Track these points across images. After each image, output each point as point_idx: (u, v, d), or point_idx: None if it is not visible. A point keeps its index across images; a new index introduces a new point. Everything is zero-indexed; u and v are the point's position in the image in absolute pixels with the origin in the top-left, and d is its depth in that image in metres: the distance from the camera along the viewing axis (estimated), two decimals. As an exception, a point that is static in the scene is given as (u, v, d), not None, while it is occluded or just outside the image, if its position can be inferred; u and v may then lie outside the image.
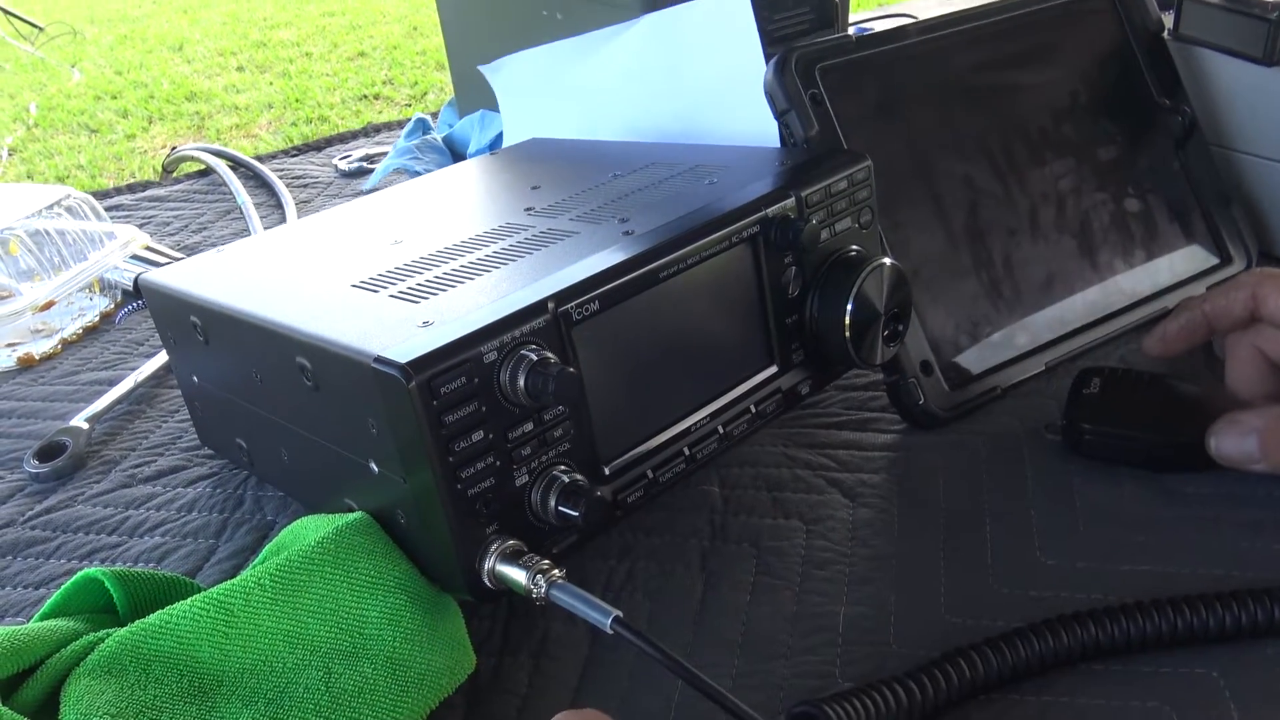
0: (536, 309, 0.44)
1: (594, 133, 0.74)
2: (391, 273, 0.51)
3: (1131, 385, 0.58)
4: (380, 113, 4.11)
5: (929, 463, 0.58)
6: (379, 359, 0.41)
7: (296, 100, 4.28)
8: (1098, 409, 0.57)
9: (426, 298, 0.47)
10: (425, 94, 4.33)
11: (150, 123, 4.25)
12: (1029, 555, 0.51)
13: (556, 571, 0.42)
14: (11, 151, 4.00)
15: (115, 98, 4.54)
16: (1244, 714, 0.42)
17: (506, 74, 0.79)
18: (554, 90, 0.80)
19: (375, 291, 0.49)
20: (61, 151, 3.96)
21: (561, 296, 0.45)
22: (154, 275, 0.59)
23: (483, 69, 0.80)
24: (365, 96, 4.34)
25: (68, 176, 3.73)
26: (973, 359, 0.63)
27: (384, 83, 4.55)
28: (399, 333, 0.43)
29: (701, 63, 0.68)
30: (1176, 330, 0.59)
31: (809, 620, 0.49)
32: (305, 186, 1.05)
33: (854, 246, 0.57)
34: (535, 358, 0.43)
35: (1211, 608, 0.44)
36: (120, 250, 0.81)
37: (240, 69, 4.81)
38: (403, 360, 0.41)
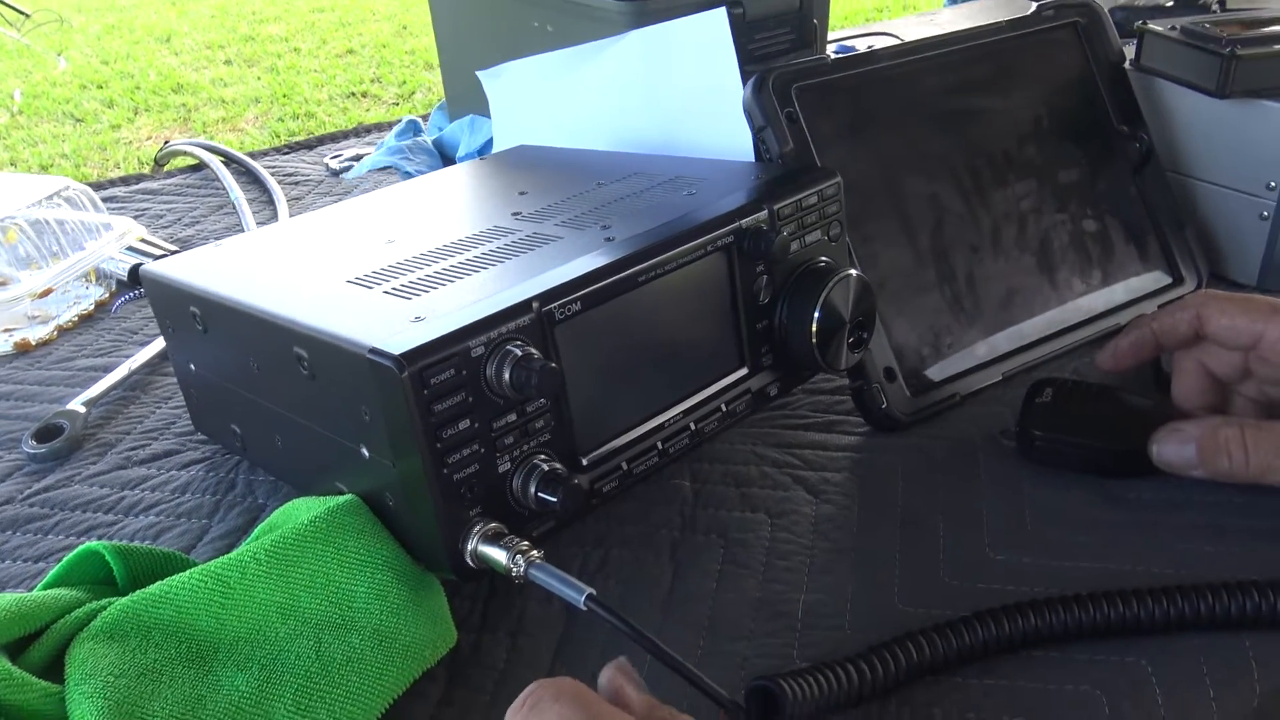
0: (522, 308, 0.47)
1: (579, 141, 0.77)
2: (385, 270, 0.54)
3: (1082, 396, 0.61)
4: (368, 110, 4.12)
5: (889, 464, 0.62)
6: (374, 350, 0.44)
7: (284, 96, 4.29)
8: (1050, 417, 0.60)
9: (418, 294, 0.50)
10: (413, 93, 4.35)
11: (136, 113, 4.24)
12: (979, 551, 0.54)
13: (535, 552, 0.45)
14: (-5, 138, 3.98)
15: (101, 87, 4.53)
16: (1168, 699, 0.45)
17: (504, 81, 0.82)
18: (542, 99, 0.83)
19: (370, 288, 0.52)
20: (46, 140, 3.95)
21: (546, 297, 0.48)
22: (155, 266, 0.61)
23: (480, 74, 0.83)
24: (353, 94, 4.34)
25: (51, 165, 3.72)
26: (934, 367, 0.66)
27: (372, 81, 4.56)
28: (393, 326, 0.46)
29: (682, 78, 0.72)
30: (1127, 346, 0.63)
31: (771, 606, 0.52)
32: (296, 184, 1.07)
33: (823, 258, 0.60)
34: (520, 353, 0.46)
35: (1142, 601, 0.48)
36: (116, 241, 0.83)
37: (228, 62, 4.81)
38: (396, 352, 0.43)
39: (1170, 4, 1.10)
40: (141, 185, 1.09)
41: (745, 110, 0.64)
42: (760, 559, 0.55)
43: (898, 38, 1.42)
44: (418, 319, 0.47)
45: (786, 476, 0.61)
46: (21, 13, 5.39)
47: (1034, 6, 0.77)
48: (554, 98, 0.82)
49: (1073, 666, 0.47)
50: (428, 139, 1.06)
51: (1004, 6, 1.70)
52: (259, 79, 4.54)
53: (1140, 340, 0.62)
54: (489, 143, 0.95)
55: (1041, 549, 0.54)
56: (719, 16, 0.67)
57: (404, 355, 0.43)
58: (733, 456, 0.63)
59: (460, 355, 0.45)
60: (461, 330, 0.45)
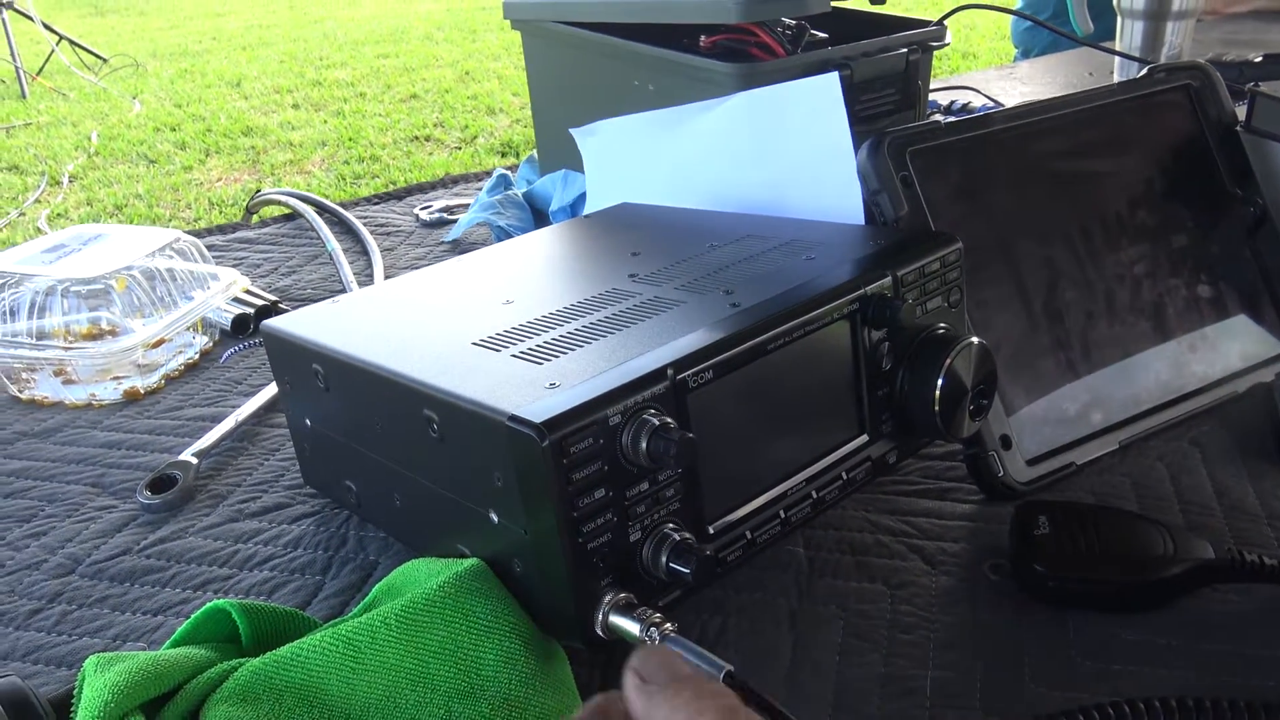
0: (656, 375, 0.47)
1: (678, 200, 0.78)
2: (509, 332, 0.55)
3: (1083, 522, 0.56)
4: (430, 154, 4.19)
5: (1006, 533, 0.60)
6: (514, 417, 0.44)
7: (349, 139, 4.38)
8: (1054, 551, 0.55)
9: (548, 359, 0.50)
10: (475, 138, 4.42)
11: (207, 155, 4.36)
12: (1110, 630, 0.53)
13: (669, 625, 0.45)
14: (72, 178, 4.11)
15: (174, 130, 4.66)
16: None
17: (599, 139, 0.83)
18: (640, 157, 0.83)
19: (496, 350, 0.53)
20: (120, 180, 4.07)
21: (679, 364, 0.48)
22: (277, 322, 0.62)
23: (574, 132, 0.84)
24: (416, 138, 4.43)
25: (125, 204, 3.83)
26: (1049, 435, 0.65)
27: (435, 125, 4.64)
28: (529, 393, 0.46)
29: (791, 140, 0.72)
30: None
31: (898, 683, 0.51)
32: (388, 235, 1.09)
33: (942, 324, 0.59)
34: (657, 422, 0.46)
35: None
36: (223, 292, 0.85)
37: (296, 106, 4.93)
38: (538, 420, 0.43)
39: None
40: (238, 234, 1.11)
41: (860, 173, 0.64)
42: (882, 632, 0.54)
43: (980, 92, 1.41)
44: (553, 385, 0.47)
45: (902, 545, 0.60)
46: (100, 57, 5.58)
47: (1145, 69, 0.76)
48: (651, 156, 0.82)
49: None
50: (518, 192, 1.07)
51: (1079, 62, 1.69)
52: (325, 123, 4.64)
53: None
54: (582, 197, 0.96)
55: (1179, 629, 0.52)
56: (832, 80, 0.68)
57: (545, 423, 0.43)
58: (846, 523, 0.62)
59: (599, 424, 0.45)
60: (600, 399, 0.45)
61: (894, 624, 0.54)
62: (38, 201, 3.87)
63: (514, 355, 0.52)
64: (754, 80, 0.74)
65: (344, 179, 3.89)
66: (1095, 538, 0.55)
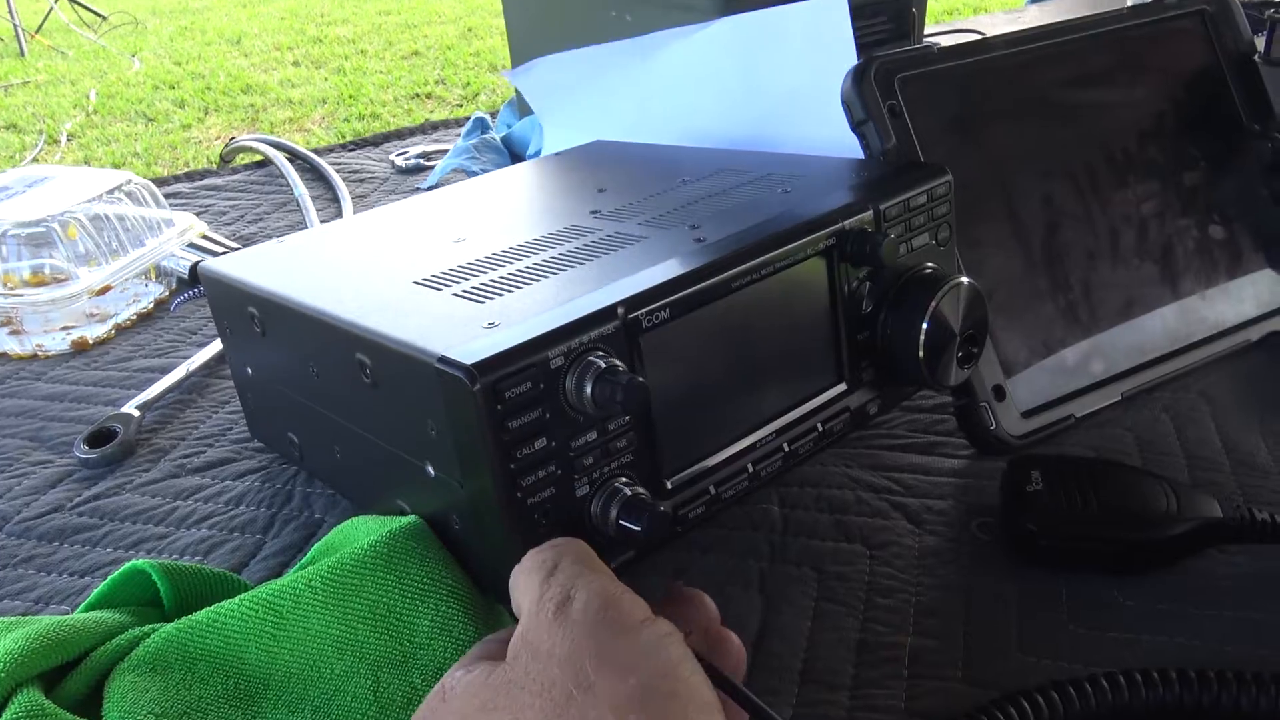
0: (605, 314, 0.43)
1: (648, 136, 0.72)
2: (454, 271, 0.50)
3: (1079, 478, 0.51)
4: (432, 112, 4.13)
5: (998, 490, 0.56)
6: (443, 359, 0.40)
7: (350, 97, 4.32)
8: (1048, 510, 0.50)
9: (491, 298, 0.46)
10: (477, 95, 4.35)
11: (206, 113, 4.30)
12: (1108, 595, 0.48)
13: (616, 588, 0.41)
14: (71, 137, 4.06)
15: (173, 88, 4.60)
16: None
17: (535, 78, 0.77)
18: (597, 94, 0.78)
19: (438, 289, 0.48)
20: (119, 139, 4.02)
21: (632, 302, 0.43)
22: (214, 264, 0.58)
23: (506, 75, 0.79)
24: (417, 95, 4.36)
25: (124, 163, 3.78)
26: (1046, 385, 0.61)
27: (436, 83, 4.57)
28: (464, 333, 0.42)
29: (788, 69, 0.66)
30: None
31: (874, 650, 0.46)
32: (361, 181, 1.04)
33: (929, 264, 0.54)
34: (603, 365, 0.41)
35: None
36: (177, 238, 0.81)
37: (296, 64, 4.86)
38: (468, 361, 0.39)
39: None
40: (206, 181, 1.06)
41: (844, 102, 0.59)
42: (859, 595, 0.50)
43: (983, 35, 1.35)
44: (491, 325, 0.42)
45: (885, 503, 0.56)
46: (99, 15, 5.52)
47: (1151, -5, 0.71)
48: (610, 92, 0.77)
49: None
50: (495, 136, 1.02)
51: (1090, 4, 1.62)
52: (326, 80, 4.58)
53: None
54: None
55: (1177, 593, 0.48)
56: (839, 3, 0.62)
57: (476, 365, 0.39)
58: (825, 479, 0.58)
59: (538, 366, 0.40)
60: (540, 339, 0.41)
61: (872, 587, 0.50)
62: (35, 160, 3.83)
63: (455, 294, 0.47)
64: (733, 6, 0.69)
65: (344, 136, 3.83)
66: (1092, 494, 0.50)
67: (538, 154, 0.94)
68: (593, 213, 0.57)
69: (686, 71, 0.70)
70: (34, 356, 0.75)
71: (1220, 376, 0.64)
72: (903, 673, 0.45)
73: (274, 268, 0.56)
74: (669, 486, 0.46)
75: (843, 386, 0.53)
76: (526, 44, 1.00)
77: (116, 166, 3.71)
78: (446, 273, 0.50)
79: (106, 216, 0.77)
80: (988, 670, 0.45)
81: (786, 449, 0.51)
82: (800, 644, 0.47)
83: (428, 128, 1.19)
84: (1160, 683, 0.41)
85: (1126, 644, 0.46)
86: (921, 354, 0.52)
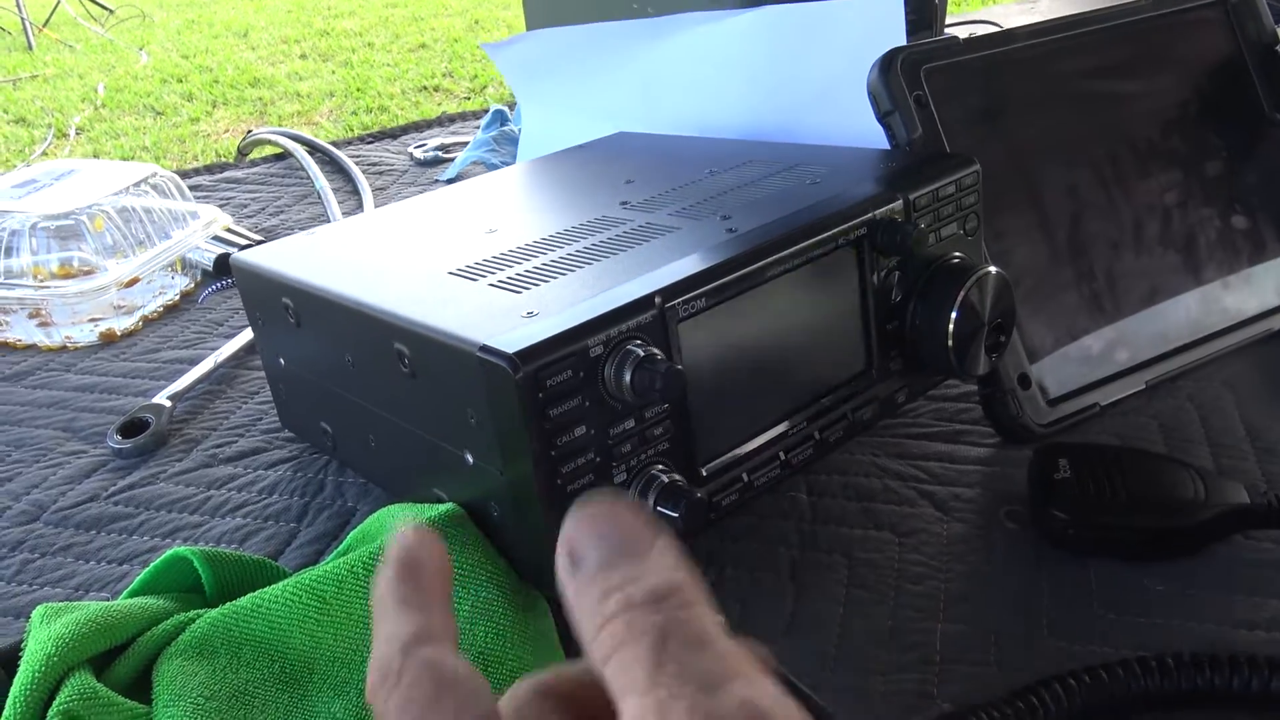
0: (643, 304, 0.43)
1: (653, 122, 0.72)
2: (489, 261, 0.51)
3: (1106, 465, 0.51)
4: (440, 104, 4.13)
5: (1025, 479, 0.56)
6: (485, 348, 0.41)
7: (357, 89, 4.32)
8: (1077, 497, 0.50)
9: (528, 288, 0.46)
10: (485, 87, 4.35)
11: (214, 107, 4.30)
12: (1136, 581, 0.49)
13: (656, 574, 0.41)
14: (79, 131, 4.07)
15: (181, 81, 4.61)
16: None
17: (515, 53, 0.76)
18: (590, 74, 0.76)
19: (474, 280, 0.49)
20: (127, 132, 4.03)
21: (668, 292, 0.44)
22: (246, 255, 0.58)
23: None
24: (425, 88, 4.36)
25: (132, 157, 3.79)
26: (1071, 374, 0.61)
27: (443, 75, 4.57)
28: (503, 322, 0.43)
29: (831, 62, 0.66)
30: None
31: (904, 636, 0.47)
32: (381, 174, 1.05)
33: (956, 254, 0.55)
34: (642, 353, 0.42)
35: None
36: (203, 230, 0.81)
37: (303, 57, 4.86)
38: (510, 350, 0.40)
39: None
40: (226, 174, 1.07)
41: (870, 93, 0.60)
42: (890, 582, 0.50)
43: (999, 26, 1.35)
44: (530, 314, 0.43)
45: (912, 491, 0.56)
46: (106, 8, 5.52)
47: (1180, -17, 0.71)
48: (605, 77, 0.76)
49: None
50: (515, 128, 1.03)
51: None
52: (333, 73, 4.58)
53: None
54: (580, 131, 0.91)
55: (1207, 579, 0.49)
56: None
57: (519, 354, 0.40)
58: (852, 467, 0.58)
59: (578, 355, 0.41)
60: (579, 328, 0.41)
61: (902, 574, 0.51)
62: (44, 154, 3.84)
63: (492, 284, 0.48)
64: (754, -2, 0.69)
65: (351, 129, 3.84)
66: (1120, 482, 0.51)
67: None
68: (622, 204, 0.57)
69: (707, 59, 0.70)
70: (63, 348, 0.75)
71: (1243, 365, 0.65)
72: (934, 658, 0.46)
73: (307, 259, 0.56)
74: (704, 474, 0.47)
75: (872, 375, 0.53)
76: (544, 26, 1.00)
77: (126, 159, 3.72)
78: (481, 263, 0.51)
79: (133, 209, 0.78)
80: (1019, 656, 0.45)
81: (817, 437, 0.51)
82: (833, 630, 0.48)
83: (445, 120, 1.20)
84: (1192, 666, 0.42)
85: (1157, 629, 0.46)
86: (950, 343, 0.52)
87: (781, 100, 0.68)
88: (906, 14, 0.60)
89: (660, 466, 0.45)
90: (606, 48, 0.76)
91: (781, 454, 0.50)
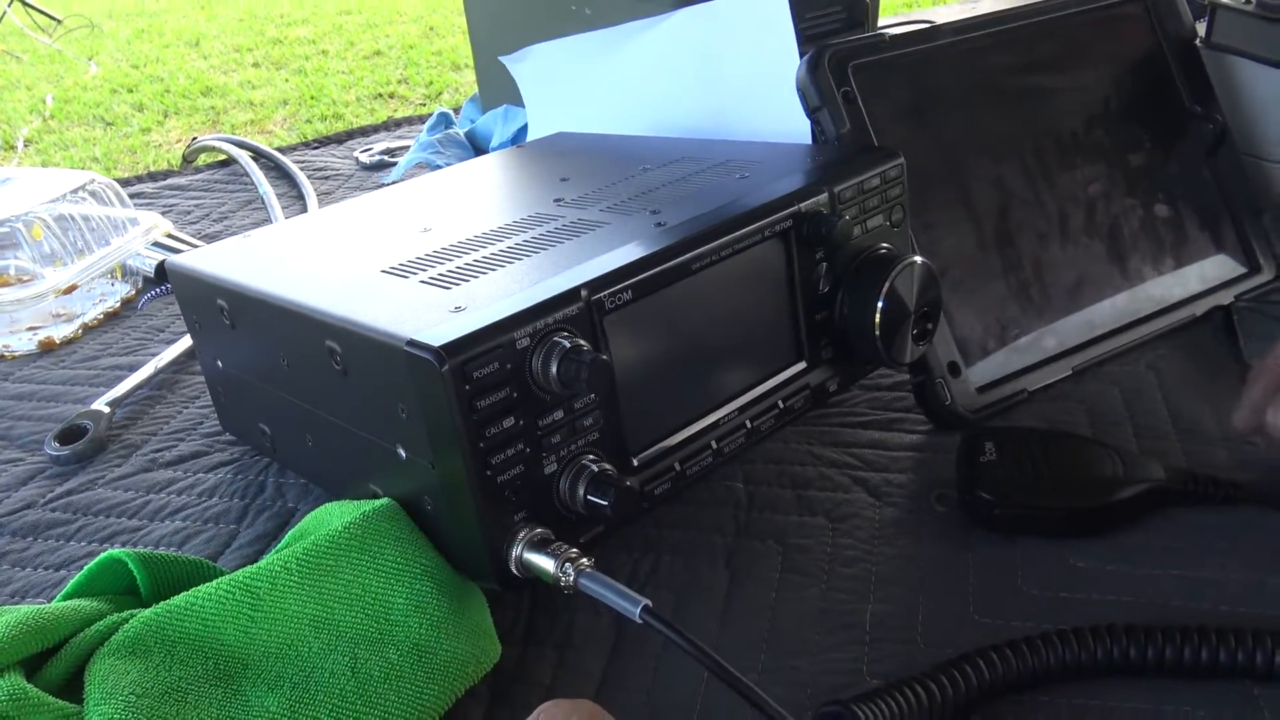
0: (569, 296, 0.44)
1: (622, 126, 0.74)
2: (421, 259, 0.51)
3: (1030, 448, 0.53)
4: (395, 111, 4.11)
5: (954, 464, 0.58)
6: (412, 342, 0.41)
7: (312, 97, 4.28)
8: (1002, 479, 0.52)
9: (458, 284, 0.47)
10: (440, 94, 4.33)
11: (166, 116, 4.25)
12: (1059, 558, 0.50)
13: (585, 560, 0.42)
14: (28, 142, 4.01)
15: (131, 91, 4.54)
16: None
17: (530, 64, 0.79)
18: (580, 82, 0.79)
19: (405, 277, 0.49)
20: (77, 143, 3.97)
21: (594, 285, 0.45)
22: (181, 259, 0.58)
23: (504, 59, 0.80)
24: (380, 95, 4.33)
25: (83, 167, 3.73)
26: (1000, 361, 0.63)
27: (399, 82, 4.54)
28: (431, 317, 0.43)
29: (735, 59, 0.68)
30: (1260, 396, 0.53)
31: (835, 618, 0.48)
32: (326, 179, 1.05)
33: (884, 244, 0.56)
34: (568, 345, 0.42)
35: (1260, 643, 0.43)
36: (142, 236, 0.81)
37: (256, 65, 4.81)
38: (436, 344, 0.40)
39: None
40: (169, 181, 1.06)
41: (799, 90, 0.61)
42: (822, 566, 0.51)
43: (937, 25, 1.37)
44: (458, 309, 0.44)
45: (846, 478, 0.58)
46: (53, 18, 5.44)
47: (1100, -20, 0.73)
48: (592, 81, 0.78)
49: (1172, 688, 0.43)
50: (459, 131, 1.03)
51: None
52: (287, 81, 4.53)
53: (1272, 385, 0.52)
54: (523, 131, 0.92)
55: (1127, 555, 0.50)
56: (779, -5, 0.64)
57: (444, 347, 0.40)
58: (787, 456, 0.59)
59: (505, 347, 0.41)
60: (506, 320, 0.42)
61: (834, 558, 0.52)
62: (-9, 166, 3.76)
63: (422, 281, 0.48)
64: (690, -2, 0.70)
65: (306, 138, 3.81)
66: (1043, 463, 0.52)
67: (501, 146, 0.95)
68: (556, 201, 0.58)
69: (651, 62, 0.72)
70: (0, 357, 0.75)
71: (1167, 350, 0.67)
72: (864, 638, 0.47)
73: (241, 261, 0.57)
74: (635, 464, 0.48)
75: (802, 364, 0.54)
76: (488, 39, 1.01)
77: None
78: (413, 261, 0.51)
79: (71, 216, 0.77)
80: (944, 633, 0.47)
81: (749, 426, 0.52)
82: (766, 614, 0.49)
83: (391, 125, 1.20)
84: (1107, 637, 0.43)
85: (1078, 604, 0.48)
86: (877, 332, 0.54)
87: (707, 98, 0.69)
88: (793, 12, 0.61)
89: (591, 456, 0.45)
90: (590, 56, 0.77)
91: (714, 443, 0.51)
